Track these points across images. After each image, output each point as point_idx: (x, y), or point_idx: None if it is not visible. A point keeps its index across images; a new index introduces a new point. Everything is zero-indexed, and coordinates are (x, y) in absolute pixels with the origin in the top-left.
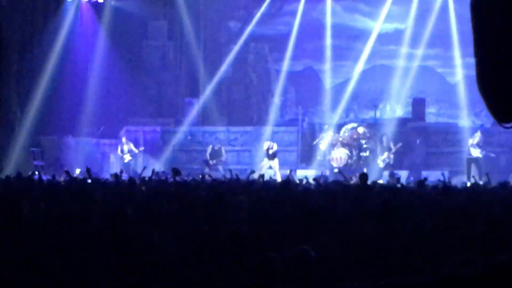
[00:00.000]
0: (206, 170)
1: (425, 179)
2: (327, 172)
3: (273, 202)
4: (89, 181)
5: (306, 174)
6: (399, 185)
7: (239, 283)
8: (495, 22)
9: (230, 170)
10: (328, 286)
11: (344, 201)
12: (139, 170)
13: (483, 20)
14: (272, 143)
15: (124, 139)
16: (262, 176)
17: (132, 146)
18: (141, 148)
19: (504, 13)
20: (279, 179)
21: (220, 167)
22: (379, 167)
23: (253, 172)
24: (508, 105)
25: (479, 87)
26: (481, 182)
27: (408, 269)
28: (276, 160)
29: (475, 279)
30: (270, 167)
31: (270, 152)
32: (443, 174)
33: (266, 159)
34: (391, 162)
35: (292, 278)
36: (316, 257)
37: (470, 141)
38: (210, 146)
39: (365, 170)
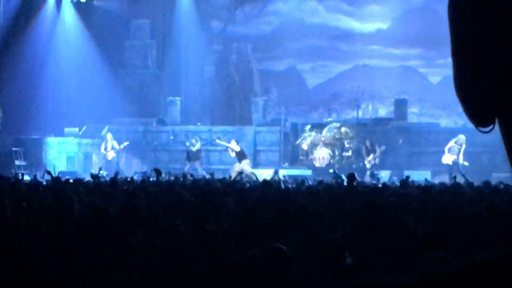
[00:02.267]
0: (187, 168)
1: (407, 177)
2: (310, 173)
3: (256, 201)
4: (71, 181)
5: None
6: (380, 185)
7: (219, 281)
8: (473, 22)
9: (212, 173)
10: (304, 285)
11: (328, 201)
12: (122, 168)
13: (460, 20)
14: (235, 143)
15: (109, 136)
16: (240, 173)
17: (115, 143)
18: (126, 143)
19: (482, 13)
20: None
21: (198, 166)
22: (364, 167)
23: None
24: (485, 108)
25: (456, 90)
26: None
27: (388, 270)
28: (244, 161)
29: (449, 279)
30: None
31: (235, 152)
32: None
33: (237, 163)
34: (377, 163)
35: (267, 276)
36: (291, 255)
37: (450, 144)
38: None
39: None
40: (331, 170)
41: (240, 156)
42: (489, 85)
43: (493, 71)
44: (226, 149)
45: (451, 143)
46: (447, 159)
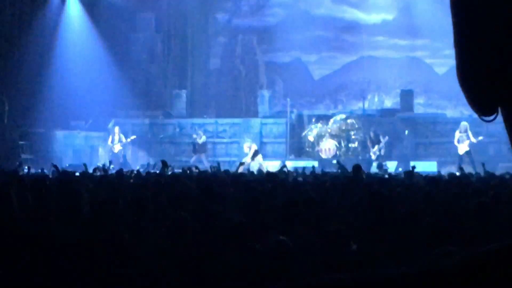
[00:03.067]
0: (192, 160)
1: (414, 167)
2: (316, 164)
3: (262, 193)
4: (77, 174)
5: (295, 165)
6: (386, 176)
7: (226, 273)
8: (475, 11)
9: (218, 163)
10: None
11: (335, 192)
12: (129, 161)
13: (462, 8)
14: (249, 143)
15: (117, 129)
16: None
17: (122, 137)
18: (133, 137)
19: (484, 1)
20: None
21: (204, 159)
22: (369, 158)
23: (242, 164)
24: (488, 97)
25: (459, 79)
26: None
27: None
28: (257, 159)
29: (453, 271)
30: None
31: (248, 152)
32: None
33: (247, 157)
34: (382, 154)
35: (271, 268)
36: (295, 248)
37: (457, 135)
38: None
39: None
40: (334, 161)
41: (255, 154)
42: (491, 74)
43: (495, 60)
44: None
45: (457, 134)
46: (462, 149)
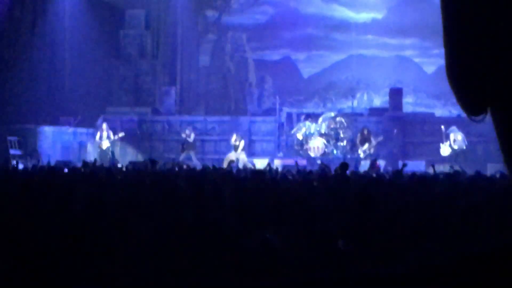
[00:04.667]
0: (181, 157)
1: (405, 164)
2: (304, 162)
3: (250, 191)
4: (66, 170)
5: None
6: (374, 175)
7: (215, 270)
8: (464, 11)
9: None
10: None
11: (322, 191)
12: (117, 157)
13: (452, 8)
14: (238, 137)
15: (104, 126)
16: (232, 161)
17: (111, 133)
18: (121, 134)
19: (473, 2)
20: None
21: (193, 156)
22: (358, 157)
23: (232, 161)
24: (477, 97)
25: (449, 79)
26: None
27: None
28: (242, 154)
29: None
30: (237, 160)
31: (235, 145)
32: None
33: (232, 152)
34: (371, 153)
35: (257, 266)
36: (281, 246)
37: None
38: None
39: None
40: (318, 161)
41: (237, 147)
42: (480, 75)
43: (484, 60)
44: (222, 140)
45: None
46: (445, 151)
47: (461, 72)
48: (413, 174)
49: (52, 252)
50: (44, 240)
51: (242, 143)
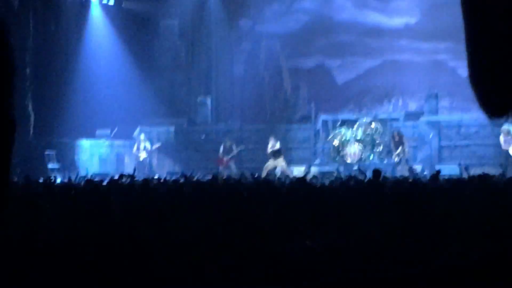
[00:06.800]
0: (221, 168)
1: (439, 171)
2: (341, 169)
3: (287, 198)
4: (105, 183)
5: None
6: (410, 180)
7: (252, 275)
8: (487, 18)
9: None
10: (332, 280)
11: (358, 197)
12: (154, 168)
13: (473, 16)
14: (273, 141)
15: (142, 137)
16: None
17: (148, 144)
18: (158, 145)
19: (496, 9)
20: (290, 175)
21: (232, 165)
22: (394, 162)
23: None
24: (501, 100)
25: (470, 82)
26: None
27: (413, 264)
28: (280, 159)
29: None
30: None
31: (272, 150)
32: (460, 165)
33: (271, 160)
34: (406, 156)
35: (297, 271)
36: (320, 251)
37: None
38: (223, 144)
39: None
40: (355, 168)
41: (277, 153)
42: (502, 78)
43: (506, 65)
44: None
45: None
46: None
47: (481, 75)
48: (449, 179)
49: (94, 263)
50: (85, 251)
51: (278, 145)
